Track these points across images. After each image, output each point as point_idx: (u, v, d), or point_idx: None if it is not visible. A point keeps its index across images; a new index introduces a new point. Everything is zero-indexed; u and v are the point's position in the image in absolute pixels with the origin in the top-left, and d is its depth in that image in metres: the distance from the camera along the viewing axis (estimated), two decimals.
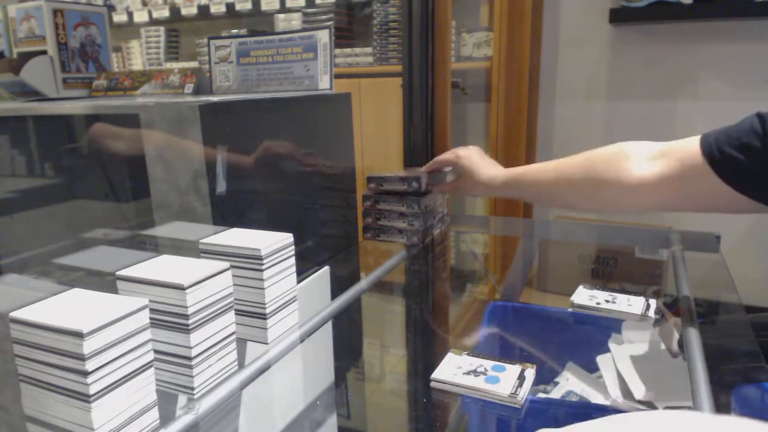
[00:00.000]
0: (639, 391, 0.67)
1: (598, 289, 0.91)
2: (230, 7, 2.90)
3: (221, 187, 0.78)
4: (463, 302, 1.23)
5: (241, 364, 0.67)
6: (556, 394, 0.85)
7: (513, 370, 0.68)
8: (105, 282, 0.72)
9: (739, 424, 0.37)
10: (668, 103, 2.22)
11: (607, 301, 0.87)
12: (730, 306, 0.91)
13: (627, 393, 0.69)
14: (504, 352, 0.92)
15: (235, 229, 0.75)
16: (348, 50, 2.57)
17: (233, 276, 0.64)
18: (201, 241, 0.71)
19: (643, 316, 0.83)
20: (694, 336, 0.74)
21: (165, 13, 3.12)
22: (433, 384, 0.67)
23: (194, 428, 0.57)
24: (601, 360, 0.80)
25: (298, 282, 0.76)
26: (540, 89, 2.45)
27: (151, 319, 0.53)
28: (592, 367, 0.86)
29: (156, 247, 0.83)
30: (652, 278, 1.26)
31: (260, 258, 0.68)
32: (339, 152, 1.14)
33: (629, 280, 1.62)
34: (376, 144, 2.28)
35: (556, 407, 0.69)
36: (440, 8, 1.41)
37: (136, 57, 3.43)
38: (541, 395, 0.85)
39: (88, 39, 1.25)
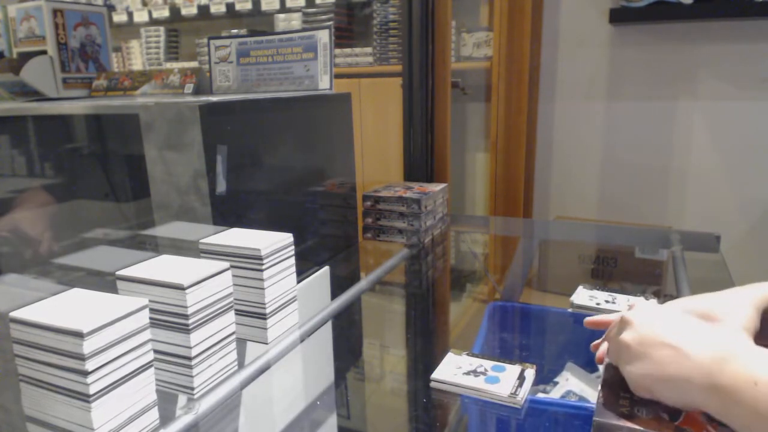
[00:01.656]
0: None
1: (598, 289, 0.92)
2: (230, 7, 2.89)
3: (221, 187, 0.78)
4: (463, 302, 1.22)
5: (241, 364, 0.67)
6: (555, 394, 0.85)
7: (513, 370, 0.68)
8: (105, 282, 0.72)
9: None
10: (668, 103, 2.22)
11: (607, 301, 0.87)
12: None
13: None
14: (504, 352, 0.92)
15: (235, 229, 0.75)
16: (348, 50, 2.57)
17: (233, 276, 0.64)
18: (201, 241, 0.71)
19: None
20: None
21: (165, 13, 3.12)
22: (433, 384, 0.67)
23: (194, 428, 0.57)
24: None
25: (298, 282, 0.76)
26: (540, 89, 2.45)
27: (151, 319, 0.53)
28: (591, 367, 0.86)
29: (156, 247, 0.83)
30: (652, 278, 1.26)
31: (260, 258, 0.68)
32: (339, 152, 1.14)
33: (629, 280, 1.62)
34: (376, 144, 2.28)
35: (556, 407, 0.69)
36: (440, 8, 1.41)
37: (136, 57, 3.42)
38: (541, 395, 0.85)
39: (88, 39, 1.25)
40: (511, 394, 0.63)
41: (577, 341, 0.90)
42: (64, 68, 1.20)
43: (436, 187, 1.30)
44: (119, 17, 3.27)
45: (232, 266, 0.64)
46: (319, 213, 1.07)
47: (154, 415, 0.54)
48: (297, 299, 0.76)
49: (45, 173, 1.02)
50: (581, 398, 0.83)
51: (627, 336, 0.51)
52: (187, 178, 0.77)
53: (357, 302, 0.96)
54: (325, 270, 0.97)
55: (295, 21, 2.72)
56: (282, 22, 2.76)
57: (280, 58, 1.12)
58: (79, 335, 0.46)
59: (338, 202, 1.13)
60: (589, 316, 0.81)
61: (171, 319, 0.58)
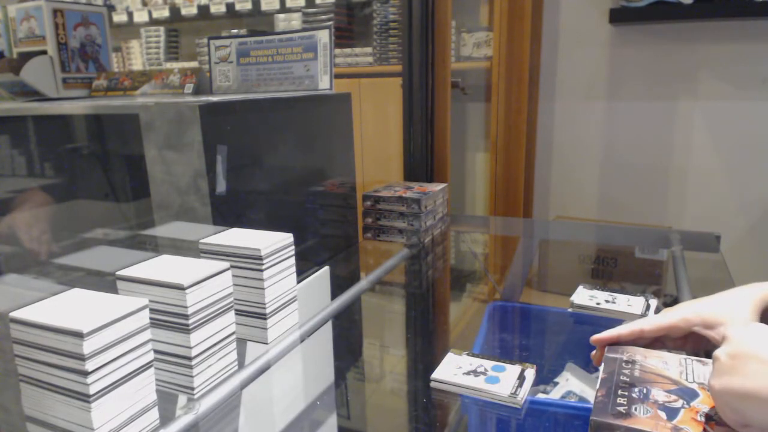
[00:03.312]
0: None
1: (598, 289, 0.91)
2: (230, 7, 2.89)
3: (221, 187, 0.78)
4: (463, 302, 1.22)
5: (241, 364, 0.67)
6: (555, 394, 0.85)
7: (513, 370, 0.68)
8: (105, 282, 0.72)
9: None
10: (668, 103, 2.22)
11: (607, 301, 0.87)
12: None
13: None
14: (504, 352, 0.92)
15: (235, 229, 0.75)
16: (348, 50, 2.57)
17: (233, 276, 0.64)
18: (201, 241, 0.71)
19: (643, 316, 0.83)
20: None
21: (165, 13, 3.11)
22: (433, 384, 0.67)
23: (194, 428, 0.57)
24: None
25: (298, 282, 0.76)
26: (540, 89, 2.45)
27: (151, 319, 0.53)
28: (591, 368, 0.86)
29: (156, 247, 0.83)
30: (652, 278, 1.26)
31: (260, 258, 0.68)
32: (339, 152, 1.14)
33: (629, 280, 1.62)
34: (376, 144, 2.28)
35: (556, 408, 0.69)
36: (440, 8, 1.41)
37: (136, 57, 3.42)
38: (541, 395, 0.85)
39: (88, 39, 1.25)
40: (511, 394, 0.63)
41: (577, 341, 0.90)
42: (64, 68, 1.20)
43: (436, 187, 1.30)
44: (119, 17, 3.27)
45: (232, 266, 0.64)
46: (319, 213, 1.07)
47: (154, 415, 0.54)
48: (297, 299, 0.76)
49: (45, 173, 1.02)
50: (581, 398, 0.83)
51: (720, 350, 0.47)
52: (187, 178, 0.77)
53: (357, 302, 0.96)
54: (325, 270, 0.97)
55: (295, 21, 2.72)
56: (282, 22, 2.76)
57: (280, 58, 1.12)
58: (79, 335, 0.46)
59: (338, 202, 1.13)
60: (589, 316, 0.81)
61: (171, 319, 0.58)
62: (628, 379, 0.54)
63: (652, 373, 0.55)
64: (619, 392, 0.51)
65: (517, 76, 2.28)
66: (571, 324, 0.89)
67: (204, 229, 0.77)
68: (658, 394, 0.51)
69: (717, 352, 0.47)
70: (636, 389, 0.52)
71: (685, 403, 0.49)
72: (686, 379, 0.53)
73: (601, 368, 0.57)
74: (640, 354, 0.58)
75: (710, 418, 0.47)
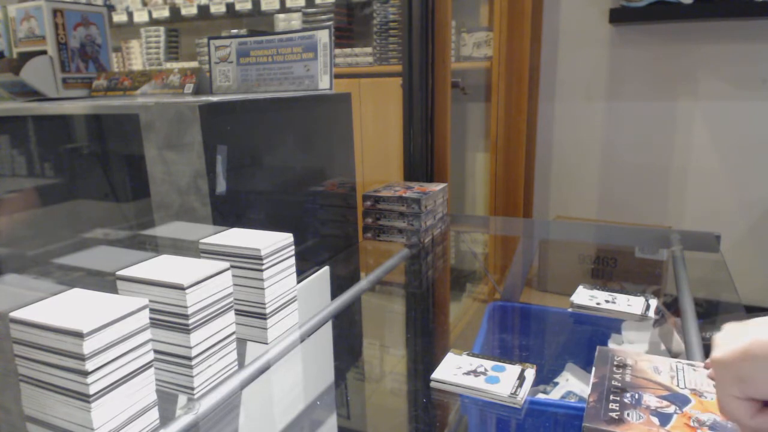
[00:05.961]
0: None
1: (598, 289, 0.91)
2: (230, 7, 2.89)
3: (221, 187, 0.78)
4: (463, 302, 1.23)
5: (241, 364, 0.67)
6: (555, 394, 0.85)
7: (513, 370, 0.68)
8: (105, 282, 0.72)
9: None
10: (668, 103, 2.22)
11: (607, 301, 0.87)
12: (730, 306, 0.91)
13: None
14: (504, 352, 0.92)
15: (235, 229, 0.75)
16: (348, 50, 2.57)
17: (233, 276, 0.64)
18: (201, 241, 0.71)
19: (643, 316, 0.83)
20: (694, 336, 0.74)
21: (165, 13, 3.11)
22: (433, 384, 0.67)
23: (194, 428, 0.57)
24: None
25: (298, 282, 0.76)
26: (540, 89, 2.45)
27: (151, 319, 0.53)
28: (591, 368, 0.86)
29: (156, 247, 0.83)
30: (652, 278, 1.26)
31: (260, 258, 0.68)
32: (339, 152, 1.14)
33: (629, 280, 1.62)
34: (376, 144, 2.28)
35: (556, 408, 0.69)
36: (440, 8, 1.41)
37: (136, 57, 3.42)
38: (541, 395, 0.85)
39: (88, 39, 1.25)
40: (511, 394, 0.63)
41: (577, 341, 0.90)
42: (64, 68, 1.20)
43: (436, 187, 1.30)
44: (119, 17, 3.27)
45: (232, 266, 0.63)
46: (319, 213, 1.07)
47: (154, 415, 0.54)
48: (297, 299, 0.76)
49: (45, 173, 1.02)
50: (581, 398, 0.83)
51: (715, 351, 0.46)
52: (187, 178, 0.77)
53: (357, 302, 0.96)
54: (325, 270, 0.97)
55: (295, 21, 2.72)
56: (282, 22, 2.76)
57: (280, 58, 1.12)
58: (79, 335, 0.46)
59: (338, 202, 1.13)
60: (590, 316, 0.81)
61: (171, 319, 0.58)
62: (619, 384, 0.53)
63: (644, 378, 0.54)
64: (611, 397, 0.51)
65: (517, 76, 2.28)
66: (571, 324, 0.89)
67: (204, 229, 0.77)
68: (650, 400, 0.51)
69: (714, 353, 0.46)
70: (628, 394, 0.52)
71: (677, 408, 0.49)
72: (678, 385, 0.53)
73: (593, 372, 0.57)
74: (631, 358, 0.58)
75: (703, 424, 0.47)
